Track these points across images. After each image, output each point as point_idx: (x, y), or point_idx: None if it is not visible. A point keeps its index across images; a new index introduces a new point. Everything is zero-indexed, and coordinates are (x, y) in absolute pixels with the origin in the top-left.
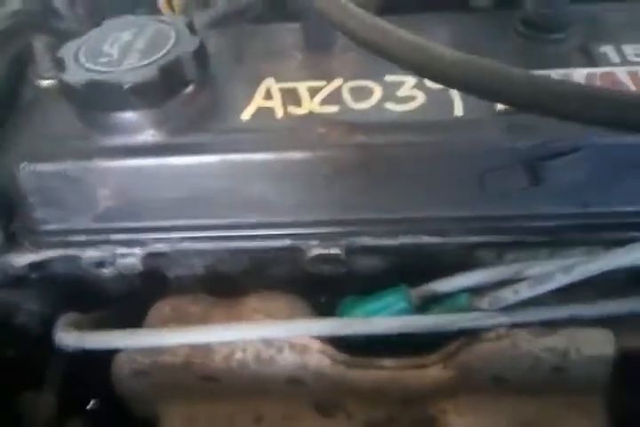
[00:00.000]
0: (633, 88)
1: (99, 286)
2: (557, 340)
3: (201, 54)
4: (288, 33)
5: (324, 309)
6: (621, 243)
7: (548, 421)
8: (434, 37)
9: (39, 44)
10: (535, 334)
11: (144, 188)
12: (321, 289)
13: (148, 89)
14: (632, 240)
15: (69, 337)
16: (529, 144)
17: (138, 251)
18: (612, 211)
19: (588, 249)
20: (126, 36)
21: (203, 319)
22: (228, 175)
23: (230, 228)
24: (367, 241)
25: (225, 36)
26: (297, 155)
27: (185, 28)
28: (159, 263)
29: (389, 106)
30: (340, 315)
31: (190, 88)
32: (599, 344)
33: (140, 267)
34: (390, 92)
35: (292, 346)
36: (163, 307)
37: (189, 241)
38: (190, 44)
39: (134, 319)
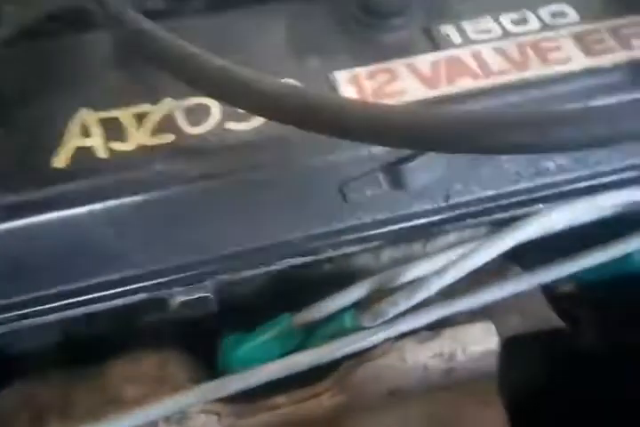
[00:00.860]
0: (478, 71)
1: None
2: (442, 344)
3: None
4: (93, 46)
5: (206, 351)
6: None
7: (450, 416)
8: (271, 33)
9: None
10: (420, 341)
11: None
12: (196, 333)
13: None
14: (495, 223)
15: None
16: (384, 150)
17: None
18: (473, 198)
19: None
20: None
21: (65, 407)
22: (53, 236)
23: (77, 293)
24: (234, 276)
25: (11, 61)
26: (135, 199)
27: None
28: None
29: (231, 126)
30: (224, 356)
31: None
32: (483, 340)
33: None
34: (230, 110)
35: (167, 420)
36: (9, 400)
37: (31, 317)
38: None
39: None
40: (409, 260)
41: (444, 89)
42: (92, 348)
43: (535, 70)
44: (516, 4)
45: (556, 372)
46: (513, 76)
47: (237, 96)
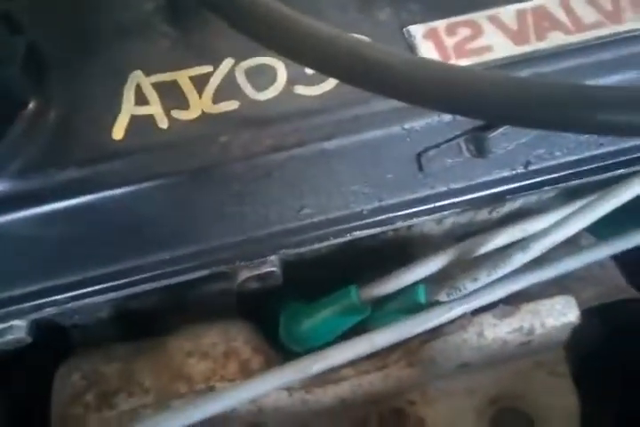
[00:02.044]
0: (569, 25)
1: None
2: (522, 319)
3: (34, 60)
4: None
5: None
6: (563, 196)
7: (517, 387)
8: None
9: None
10: (499, 317)
11: (3, 251)
12: (260, 305)
13: None
14: (574, 192)
15: None
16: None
17: (18, 323)
18: (555, 164)
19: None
20: None
21: (125, 381)
22: (119, 211)
23: (143, 269)
24: (301, 249)
25: (43, 13)
26: (200, 174)
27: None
28: (54, 324)
29: (300, 90)
30: (286, 329)
31: (30, 110)
32: (563, 314)
33: (27, 339)
34: (297, 72)
35: None
36: (69, 375)
37: (82, 298)
38: (15, 50)
39: (39, 397)
40: (473, 226)
41: (534, 45)
42: (152, 322)
43: (630, 23)
44: None
45: (626, 342)
46: (607, 30)
47: (310, 54)
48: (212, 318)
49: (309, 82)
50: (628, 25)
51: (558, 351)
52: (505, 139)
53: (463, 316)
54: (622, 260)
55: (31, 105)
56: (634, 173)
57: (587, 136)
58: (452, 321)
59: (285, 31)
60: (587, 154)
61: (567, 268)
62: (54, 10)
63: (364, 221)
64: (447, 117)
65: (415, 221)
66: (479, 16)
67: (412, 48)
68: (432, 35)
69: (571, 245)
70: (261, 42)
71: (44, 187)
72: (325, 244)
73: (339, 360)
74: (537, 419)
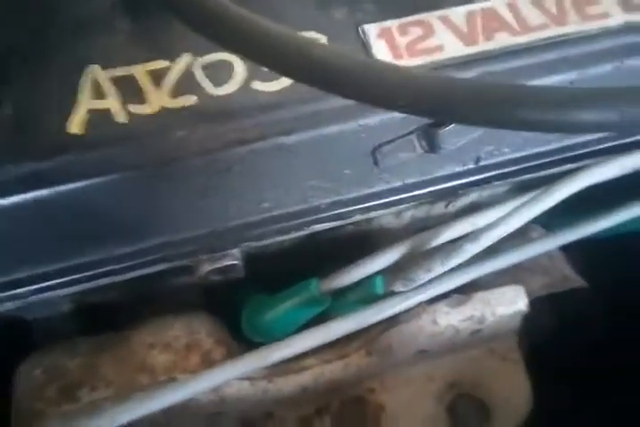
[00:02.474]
0: (516, 26)
1: None
2: (474, 307)
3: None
4: None
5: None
6: (515, 190)
7: (473, 373)
8: None
9: None
10: (452, 305)
11: None
12: (222, 298)
13: None
14: (525, 187)
15: None
16: None
17: None
18: (504, 159)
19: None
20: None
21: (87, 374)
22: (75, 206)
23: (103, 263)
24: (262, 243)
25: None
26: (159, 169)
27: None
28: (15, 320)
29: (257, 86)
30: (248, 320)
31: None
32: (512, 302)
33: None
34: (255, 67)
35: None
36: (30, 370)
37: (41, 292)
38: None
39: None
40: (430, 219)
41: (482, 45)
42: (114, 316)
43: (573, 25)
44: None
45: (576, 329)
46: (551, 32)
47: (267, 55)
48: (176, 312)
49: (267, 78)
50: (571, 27)
51: (511, 339)
52: (455, 135)
53: (418, 305)
54: (570, 250)
55: None
56: (578, 169)
57: (533, 133)
58: (408, 310)
59: (240, 32)
60: (534, 150)
61: (517, 258)
62: (9, 6)
63: (322, 215)
64: (400, 114)
65: (373, 214)
66: (431, 16)
67: (366, 46)
68: (385, 34)
69: (520, 237)
70: (217, 42)
71: (0, 181)
72: (286, 237)
73: (298, 349)
74: (491, 404)
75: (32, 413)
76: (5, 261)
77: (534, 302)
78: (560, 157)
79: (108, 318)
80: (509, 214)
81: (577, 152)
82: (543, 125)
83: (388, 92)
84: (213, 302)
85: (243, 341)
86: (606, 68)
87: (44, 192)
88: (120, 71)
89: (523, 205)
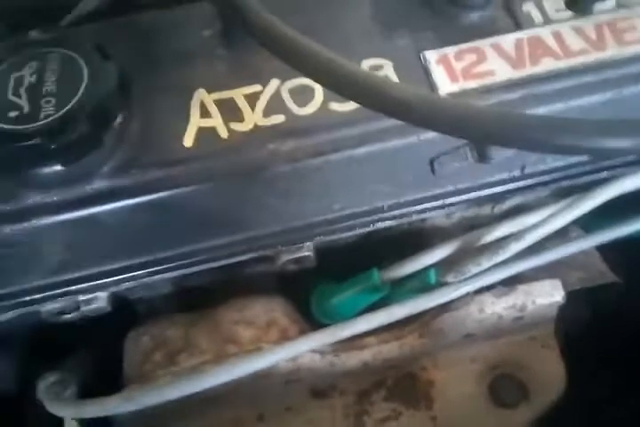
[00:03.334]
0: (559, 52)
1: (64, 331)
2: (516, 297)
3: (123, 82)
4: (193, 21)
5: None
6: (555, 194)
7: (514, 356)
8: (357, 10)
9: None
10: (497, 295)
11: (96, 235)
12: (296, 284)
13: (77, 142)
14: (567, 193)
15: (61, 406)
16: None
17: (101, 294)
18: (547, 168)
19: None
20: (29, 75)
21: (186, 343)
22: (182, 208)
23: (202, 252)
24: (332, 237)
25: (118, 35)
26: (252, 176)
27: (94, 51)
28: (125, 298)
29: (334, 106)
30: (317, 304)
31: (118, 122)
32: (550, 294)
33: (107, 308)
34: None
35: None
36: (139, 337)
37: (155, 274)
38: (109, 74)
39: (112, 356)
40: (478, 219)
41: (529, 70)
42: (206, 296)
43: (611, 50)
44: None
45: (607, 320)
46: (591, 57)
47: (344, 89)
48: (257, 294)
49: (341, 100)
50: (610, 52)
51: (549, 327)
52: (503, 148)
53: (467, 295)
54: (605, 249)
55: (119, 118)
56: (614, 177)
57: None
58: (458, 299)
59: (325, 71)
60: (574, 160)
61: (556, 256)
62: (131, 39)
63: (384, 215)
64: None
65: (428, 215)
66: (484, 43)
67: (426, 71)
68: (443, 60)
69: (560, 237)
70: (306, 76)
71: (129, 185)
72: (352, 233)
73: (362, 329)
74: (529, 384)
75: (143, 373)
76: (126, 250)
77: (571, 295)
78: (597, 166)
79: (200, 298)
80: (551, 217)
81: (613, 162)
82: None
83: (463, 128)
84: (288, 287)
85: (312, 322)
86: None
87: (162, 195)
88: (222, 95)
89: (563, 208)
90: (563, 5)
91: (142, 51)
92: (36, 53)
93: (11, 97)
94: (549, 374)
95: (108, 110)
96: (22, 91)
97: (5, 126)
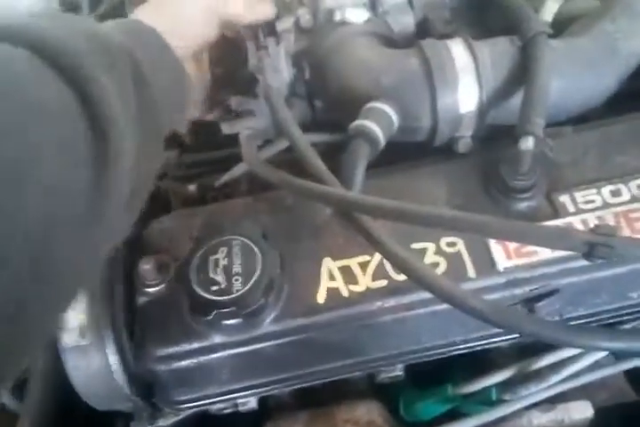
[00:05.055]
0: None
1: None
2: (556, 413)
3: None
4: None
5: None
6: None
7: None
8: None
9: (146, 266)
10: (542, 411)
11: (256, 361)
12: (388, 392)
13: (255, 306)
14: None
15: None
16: None
17: (253, 399)
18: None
19: None
20: (222, 257)
21: None
22: (318, 343)
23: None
24: (418, 360)
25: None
26: (365, 323)
27: (262, 239)
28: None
29: None
30: (404, 405)
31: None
32: (583, 412)
33: (255, 407)
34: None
35: None
36: None
37: (290, 386)
38: (274, 259)
39: None
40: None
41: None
42: (323, 396)
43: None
44: (611, 175)
45: None
46: None
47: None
48: (360, 398)
49: None
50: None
51: None
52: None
53: (519, 409)
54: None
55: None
56: None
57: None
58: (513, 413)
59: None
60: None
61: (589, 379)
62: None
63: (457, 346)
64: None
65: (488, 346)
66: None
67: (487, 247)
68: (502, 242)
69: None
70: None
71: (283, 329)
72: (432, 358)
73: None
74: None
75: None
76: (275, 370)
77: (599, 410)
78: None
79: (317, 397)
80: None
81: None
82: None
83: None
84: (383, 396)
85: (399, 420)
86: None
87: (304, 336)
88: (342, 262)
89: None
90: (591, 196)
91: (282, 226)
92: (223, 241)
93: (211, 275)
94: None
95: (274, 283)
96: (219, 270)
97: (209, 297)
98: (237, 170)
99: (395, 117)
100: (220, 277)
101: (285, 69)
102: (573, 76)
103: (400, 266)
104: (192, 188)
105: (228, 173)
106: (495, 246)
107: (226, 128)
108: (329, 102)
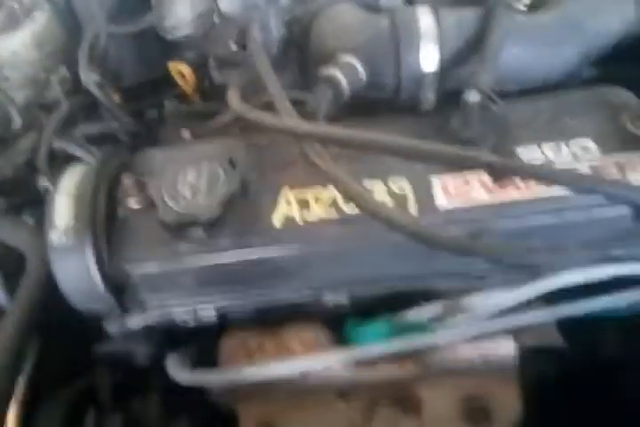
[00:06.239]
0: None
1: (185, 330)
2: (486, 347)
3: (245, 185)
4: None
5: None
6: None
7: (481, 391)
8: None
9: (128, 180)
10: (470, 345)
11: (216, 276)
12: (335, 317)
13: (214, 220)
14: None
15: (183, 374)
16: None
17: (211, 307)
18: None
19: None
20: (191, 176)
21: (259, 351)
22: (267, 265)
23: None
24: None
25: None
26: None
27: (228, 164)
28: (224, 311)
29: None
30: (348, 333)
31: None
32: (508, 348)
33: (214, 318)
34: None
35: None
36: (231, 341)
37: (244, 299)
38: (235, 180)
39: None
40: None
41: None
42: (276, 320)
43: None
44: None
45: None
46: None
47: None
48: (308, 322)
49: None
50: None
51: (510, 369)
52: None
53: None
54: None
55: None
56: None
57: None
58: (445, 345)
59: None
60: None
61: (518, 322)
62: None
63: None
64: None
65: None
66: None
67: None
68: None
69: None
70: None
71: (240, 243)
72: (377, 291)
73: (377, 352)
74: (493, 411)
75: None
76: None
77: (528, 351)
78: None
79: (271, 320)
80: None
81: None
82: None
83: None
84: (331, 321)
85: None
86: None
87: (256, 255)
88: (300, 192)
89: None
90: (534, 154)
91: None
92: (193, 163)
93: (180, 190)
94: (508, 402)
95: (233, 202)
96: (186, 187)
97: (175, 208)
98: (227, 116)
99: (361, 70)
100: (187, 193)
101: (275, 29)
102: (533, 47)
103: (351, 195)
104: (186, 133)
105: (217, 118)
106: (437, 189)
107: (217, 77)
108: (310, 61)
